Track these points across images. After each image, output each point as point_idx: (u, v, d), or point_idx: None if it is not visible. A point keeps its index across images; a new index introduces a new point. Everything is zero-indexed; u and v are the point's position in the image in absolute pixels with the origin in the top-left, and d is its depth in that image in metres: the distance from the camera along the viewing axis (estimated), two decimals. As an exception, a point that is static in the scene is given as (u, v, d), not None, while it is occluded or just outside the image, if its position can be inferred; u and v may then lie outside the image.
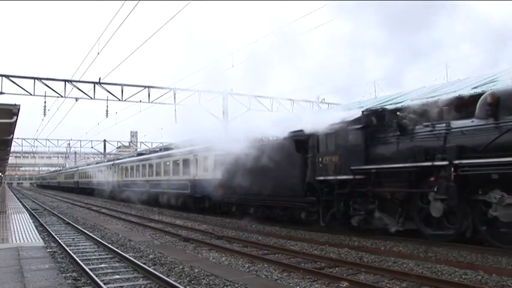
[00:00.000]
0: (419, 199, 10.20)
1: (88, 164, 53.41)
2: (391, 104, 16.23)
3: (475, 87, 14.65)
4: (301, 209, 13.06)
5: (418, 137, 10.30)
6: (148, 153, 30.48)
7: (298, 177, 12.91)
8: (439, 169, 9.52)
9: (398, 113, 11.65)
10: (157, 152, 28.79)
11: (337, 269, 8.29)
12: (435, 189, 9.52)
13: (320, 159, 12.31)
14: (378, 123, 11.41)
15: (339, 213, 11.85)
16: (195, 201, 20.67)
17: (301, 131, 13.28)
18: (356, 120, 11.61)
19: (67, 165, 75.34)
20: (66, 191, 56.90)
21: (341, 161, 11.62)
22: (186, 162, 21.62)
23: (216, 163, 18.25)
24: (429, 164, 9.64)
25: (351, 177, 11.28)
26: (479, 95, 10.46)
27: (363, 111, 11.94)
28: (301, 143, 13.13)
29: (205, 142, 19.46)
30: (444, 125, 9.92)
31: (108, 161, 42.87)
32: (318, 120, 12.91)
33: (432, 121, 10.30)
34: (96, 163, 48.21)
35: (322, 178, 12.22)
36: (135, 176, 29.52)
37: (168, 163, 24.21)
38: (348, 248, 10.22)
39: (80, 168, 52.55)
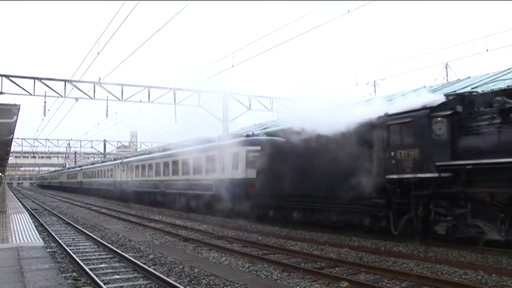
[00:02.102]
0: None
1: (93, 163, 50.22)
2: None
3: (475, 87, 14.67)
4: (363, 213, 11.19)
5: None
6: (163, 150, 27.28)
7: (361, 176, 10.87)
8: None
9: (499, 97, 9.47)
10: (173, 149, 25.56)
11: (337, 269, 8.28)
12: None
13: (392, 154, 10.28)
14: (468, 109, 9.52)
15: (417, 219, 9.92)
16: (221, 204, 17.84)
17: (366, 120, 11.20)
18: (441, 106, 9.66)
19: (67, 165, 75.12)
20: (68, 192, 55.04)
21: (422, 156, 9.63)
22: (210, 159, 18.79)
23: (248, 160, 16.31)
24: None
25: (435, 175, 9.38)
26: None
27: (446, 95, 10.17)
28: (365, 135, 11.06)
29: (236, 136, 17.67)
30: None
31: (115, 159, 40.19)
32: (383, 107, 10.97)
33: None
34: (102, 162, 45.27)
35: (395, 177, 10.17)
36: (148, 175, 26.77)
37: (187, 161, 21.20)
38: (348, 248, 10.22)
39: (84, 167, 49.50)
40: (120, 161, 34.29)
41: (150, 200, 26.28)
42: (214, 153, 18.35)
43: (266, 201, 14.70)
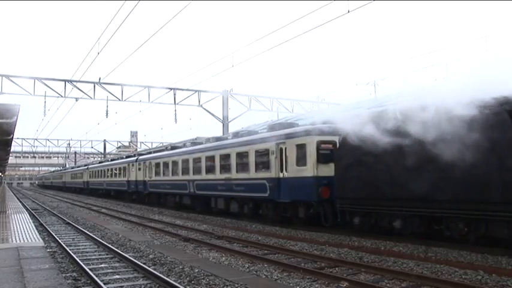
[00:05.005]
0: None
1: (101, 162, 46.14)
2: (392, 104, 16.09)
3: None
4: None
5: None
6: (191, 145, 23.34)
7: None
8: None
9: None
10: (202, 143, 21.84)
11: (337, 269, 8.28)
12: None
13: None
14: None
15: None
16: (278, 209, 14.81)
17: None
18: None
19: (67, 165, 75.06)
20: (72, 192, 52.98)
21: None
22: (262, 154, 15.54)
23: (320, 153, 13.03)
24: None
25: None
26: None
27: None
28: None
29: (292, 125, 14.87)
30: None
31: (127, 156, 37.49)
32: None
33: None
34: (111, 160, 41.51)
35: None
36: (171, 174, 23.25)
37: (227, 156, 17.71)
38: (348, 248, 10.21)
39: (90, 166, 45.76)
40: (135, 158, 30.53)
41: (174, 203, 23.35)
42: (269, 145, 14.89)
43: (350, 206, 11.72)
